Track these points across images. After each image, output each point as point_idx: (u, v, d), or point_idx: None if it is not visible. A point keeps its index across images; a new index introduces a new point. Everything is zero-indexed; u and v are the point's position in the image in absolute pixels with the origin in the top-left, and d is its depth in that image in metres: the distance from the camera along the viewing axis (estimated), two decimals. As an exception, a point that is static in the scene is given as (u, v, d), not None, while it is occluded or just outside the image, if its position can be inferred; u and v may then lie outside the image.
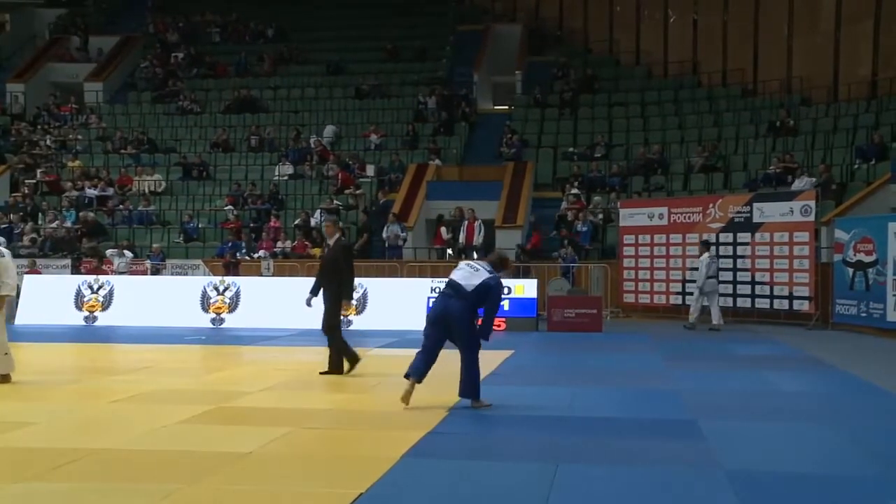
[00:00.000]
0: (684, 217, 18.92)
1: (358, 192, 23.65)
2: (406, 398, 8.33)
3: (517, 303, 16.50)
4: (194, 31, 33.08)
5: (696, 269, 17.90)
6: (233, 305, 17.12)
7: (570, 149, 25.11)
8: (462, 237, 21.10)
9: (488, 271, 8.38)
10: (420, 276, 18.52)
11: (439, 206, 22.70)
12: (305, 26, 32.99)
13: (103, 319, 17.51)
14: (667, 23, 29.36)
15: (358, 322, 16.74)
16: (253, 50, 31.48)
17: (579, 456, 6.51)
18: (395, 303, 16.88)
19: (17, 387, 10.00)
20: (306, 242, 21.68)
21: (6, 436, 7.10)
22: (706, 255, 17.03)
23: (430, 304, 16.54)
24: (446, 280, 8.55)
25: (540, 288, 17.03)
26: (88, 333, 16.22)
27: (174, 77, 30.28)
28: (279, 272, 19.97)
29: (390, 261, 20.50)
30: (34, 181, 25.27)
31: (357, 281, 16.95)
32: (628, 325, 17.75)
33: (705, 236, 18.06)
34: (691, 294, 17.69)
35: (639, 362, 12.16)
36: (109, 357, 13.65)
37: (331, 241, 10.65)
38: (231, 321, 16.95)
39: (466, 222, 21.12)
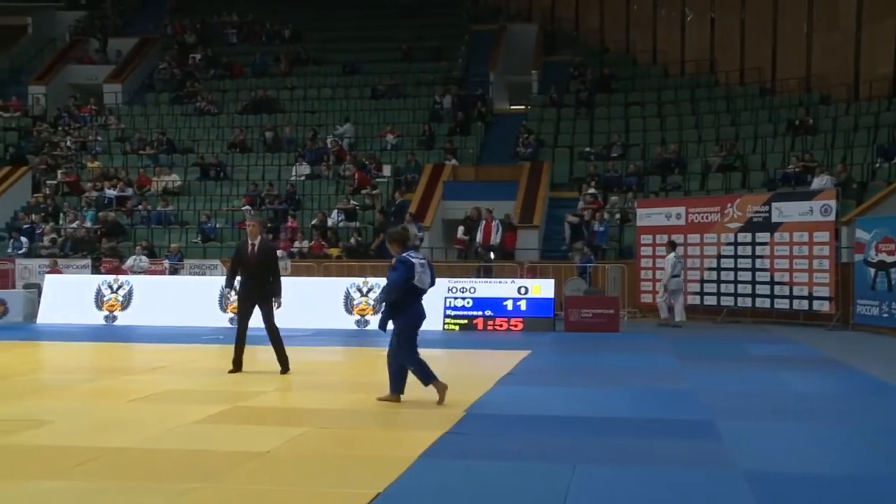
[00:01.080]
0: (702, 217, 18.84)
1: (374, 192, 23.68)
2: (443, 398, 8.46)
3: (534, 303, 16.48)
4: (211, 32, 33.24)
5: (714, 269, 17.85)
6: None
7: (587, 148, 25.05)
8: (479, 237, 21.09)
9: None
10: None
11: (456, 206, 22.70)
12: (321, 27, 33.08)
13: (123, 319, 17.62)
14: (684, 21, 29.25)
15: (375, 322, 16.71)
16: (269, 51, 31.59)
17: (596, 456, 6.49)
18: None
19: (37, 385, 10.09)
20: (323, 242, 21.74)
21: (25, 434, 7.16)
22: (672, 254, 17.60)
23: (447, 305, 16.62)
24: (421, 285, 8.40)
25: (557, 288, 17.00)
26: (108, 333, 16.32)
27: (192, 78, 30.43)
28: (296, 272, 20.00)
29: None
30: (55, 182, 25.46)
31: (374, 281, 17.14)
32: (645, 326, 17.68)
33: (673, 237, 18.40)
34: (709, 294, 17.65)
35: (655, 362, 12.12)
36: (128, 356, 13.73)
37: (255, 242, 10.74)
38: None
39: (484, 222, 21.10)
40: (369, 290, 17.00)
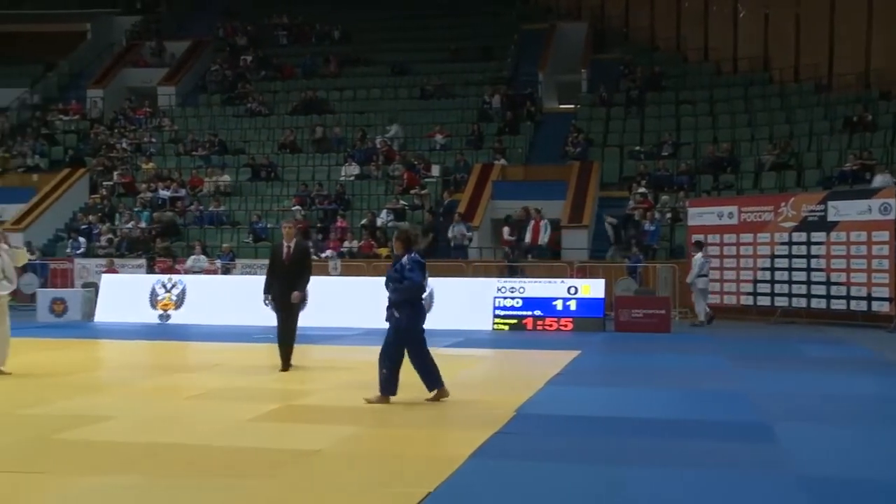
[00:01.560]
0: (755, 216, 18.57)
1: (423, 192, 23.75)
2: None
3: (584, 303, 16.39)
4: (262, 34, 33.62)
5: (768, 268, 17.59)
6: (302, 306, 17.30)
7: (637, 147, 24.84)
8: (528, 237, 21.04)
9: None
10: (486, 276, 18.52)
11: (505, 205, 22.65)
12: (370, 28, 33.24)
13: (176, 318, 17.91)
14: (736, 17, 28.81)
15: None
16: (319, 52, 31.84)
17: (646, 458, 6.45)
18: (461, 303, 16.91)
19: (97, 382, 10.32)
20: (372, 242, 21.86)
21: (86, 429, 7.33)
22: (699, 254, 17.61)
23: (496, 305, 16.61)
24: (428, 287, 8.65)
25: (607, 288, 16.90)
26: (162, 331, 16.61)
27: (243, 80, 30.81)
28: (346, 272, 20.17)
29: (456, 261, 20.55)
30: (111, 183, 25.96)
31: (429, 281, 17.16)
32: (697, 326, 17.48)
33: (700, 237, 18.34)
34: (763, 294, 17.41)
35: (707, 363, 11.99)
36: (182, 354, 13.96)
37: (291, 244, 11.16)
38: (299, 320, 17.13)
39: (532, 222, 21.04)
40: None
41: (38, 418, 7.82)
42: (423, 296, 8.71)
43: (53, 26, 34.14)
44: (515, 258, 20.19)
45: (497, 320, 16.64)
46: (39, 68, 33.03)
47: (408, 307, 8.45)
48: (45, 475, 5.92)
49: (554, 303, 16.50)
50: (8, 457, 6.48)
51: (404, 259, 8.46)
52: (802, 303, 17.56)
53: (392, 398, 8.53)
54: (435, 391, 8.65)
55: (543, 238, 20.89)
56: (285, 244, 11.17)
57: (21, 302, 20.43)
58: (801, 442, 7.01)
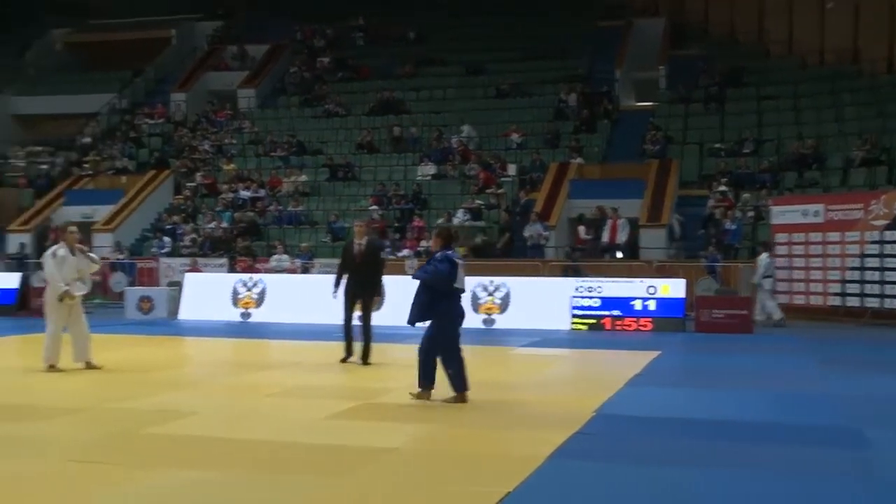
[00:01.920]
0: (843, 214, 17.99)
1: (499, 191, 23.70)
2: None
3: (663, 303, 16.14)
4: (339, 36, 33.99)
5: (857, 268, 17.07)
6: (378, 303, 17.43)
7: (717, 144, 24.34)
8: (606, 236, 20.82)
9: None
10: (563, 276, 18.37)
11: (581, 204, 22.46)
12: (445, 28, 33.31)
13: (257, 316, 18.23)
14: (823, 8, 27.94)
15: (501, 321, 16.77)
16: (395, 53, 32.05)
17: (730, 462, 6.30)
18: (538, 302, 16.82)
19: (181, 379, 10.57)
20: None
21: (171, 424, 7.51)
22: (765, 254, 17.52)
23: (574, 304, 16.47)
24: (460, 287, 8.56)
25: (688, 288, 16.59)
26: (244, 329, 16.93)
27: (320, 81, 31.20)
28: (423, 271, 20.19)
29: (532, 260, 20.45)
30: (194, 184, 26.57)
31: (500, 280, 17.17)
32: (779, 326, 17.04)
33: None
34: (852, 295, 16.89)
35: (792, 365, 11.67)
36: (263, 352, 14.21)
37: (362, 241, 11.52)
38: (377, 318, 17.28)
39: (610, 221, 20.81)
40: (495, 290, 17.03)
41: (126, 412, 8.04)
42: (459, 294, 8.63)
43: (141, 34, 35.14)
44: (577, 258, 19.96)
45: (575, 320, 16.49)
46: (128, 74, 34.03)
47: (434, 308, 8.45)
48: (132, 468, 6.08)
49: (632, 302, 16.28)
50: (98, 449, 6.68)
51: (438, 254, 8.55)
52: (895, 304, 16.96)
53: (467, 394, 8.50)
54: (420, 391, 8.62)
55: (621, 237, 20.64)
56: (356, 242, 11.51)
57: (111, 300, 21.13)
58: (892, 448, 6.76)
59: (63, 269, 10.69)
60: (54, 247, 11.10)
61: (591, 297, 16.55)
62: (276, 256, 20.99)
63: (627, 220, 20.91)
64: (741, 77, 27.08)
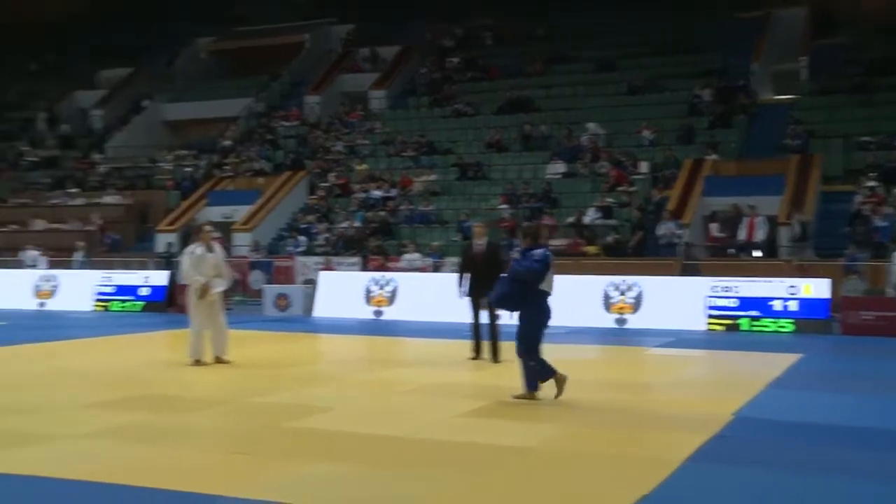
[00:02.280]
0: None
1: (631, 189, 23.31)
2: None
3: (806, 303, 15.52)
4: (468, 36, 34.18)
5: None
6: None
7: (866, 138, 23.15)
8: (742, 234, 20.16)
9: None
10: (696, 275, 17.89)
11: (716, 202, 21.82)
12: (575, 24, 32.99)
13: (389, 314, 18.55)
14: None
15: (633, 321, 16.51)
16: (524, 51, 31.96)
17: (873, 473, 6.00)
18: (672, 302, 16.47)
19: (318, 374, 10.88)
20: (580, 240, 21.69)
21: (309, 419, 7.74)
22: None
23: (709, 304, 16.00)
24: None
25: (833, 288, 15.87)
26: (376, 327, 17.26)
27: (450, 81, 31.46)
28: (553, 270, 20.07)
29: (665, 259, 20.02)
30: (328, 184, 27.27)
31: (633, 279, 16.90)
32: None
33: None
34: None
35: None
36: (396, 350, 14.44)
37: (482, 242, 11.68)
38: (506, 317, 17.31)
39: (747, 218, 20.15)
40: (627, 289, 16.78)
41: (268, 406, 8.34)
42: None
43: (277, 39, 36.37)
44: (694, 255, 19.38)
45: (711, 320, 16.07)
46: (264, 79, 35.27)
47: (524, 303, 8.53)
48: (274, 460, 6.30)
49: (772, 303, 15.73)
50: (244, 441, 6.96)
51: (537, 252, 8.61)
52: None
53: (537, 395, 8.57)
54: (527, 391, 8.59)
55: (759, 235, 19.94)
56: (476, 243, 11.66)
57: (250, 297, 21.93)
58: None
59: (200, 267, 11.16)
60: (192, 245, 11.61)
61: (727, 297, 16.08)
62: (406, 255, 21.31)
63: (766, 217, 20.18)
64: (892, 66, 25.60)
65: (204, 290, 11.09)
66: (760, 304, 15.82)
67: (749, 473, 5.99)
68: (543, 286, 8.54)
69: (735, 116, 25.61)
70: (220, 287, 11.36)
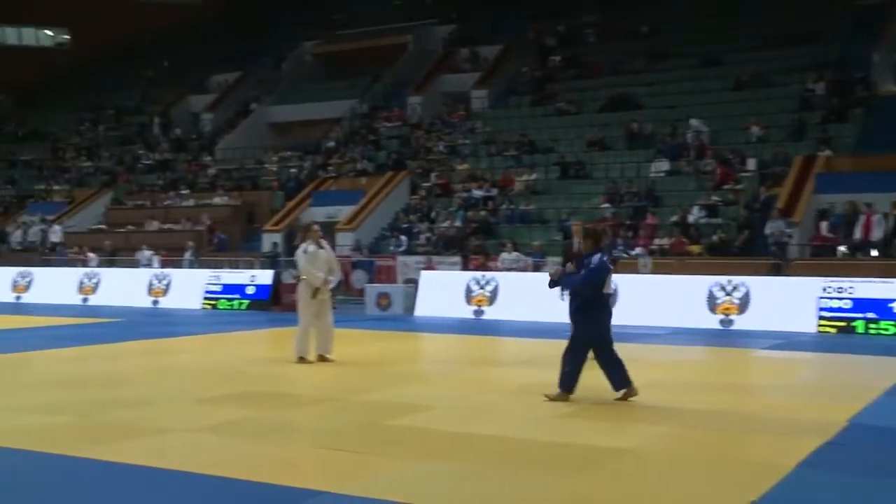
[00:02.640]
0: None
1: (738, 187, 22.68)
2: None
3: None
4: (571, 34, 33.89)
5: None
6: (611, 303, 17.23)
7: None
8: (858, 233, 19.36)
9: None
10: (807, 275, 17.28)
11: (829, 199, 21.01)
12: (681, 19, 32.31)
13: (489, 313, 18.53)
14: None
15: (740, 322, 16.06)
16: (627, 48, 31.49)
17: None
18: (781, 303, 15.95)
19: (419, 373, 10.96)
20: (684, 239, 21.23)
21: (410, 417, 7.79)
22: None
23: (821, 305, 15.41)
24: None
25: None
26: (477, 326, 17.27)
27: (551, 80, 31.25)
28: (656, 269, 19.73)
29: (774, 259, 19.39)
30: (429, 184, 27.45)
31: (739, 279, 16.44)
32: None
33: None
34: None
35: None
36: (497, 349, 14.42)
37: (580, 240, 11.26)
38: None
39: (863, 217, 19.33)
40: (733, 289, 16.33)
41: (369, 404, 8.43)
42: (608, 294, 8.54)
43: (380, 41, 36.86)
44: (778, 253, 18.68)
45: (822, 322, 15.49)
46: (367, 80, 35.77)
47: (587, 310, 8.40)
48: (377, 457, 6.36)
49: (890, 304, 15.04)
50: (347, 438, 7.05)
51: (594, 260, 8.42)
52: None
53: (569, 396, 8.48)
54: (623, 391, 8.44)
55: (876, 234, 19.10)
56: (576, 241, 11.54)
57: (352, 296, 22.27)
58: None
59: (315, 264, 11.39)
60: (304, 244, 11.85)
61: (840, 299, 15.47)
62: (504, 254, 21.25)
63: (883, 215, 19.31)
64: None
65: (321, 287, 11.30)
66: (878, 306, 15.16)
67: (864, 483, 5.73)
68: (605, 289, 8.49)
69: (851, 110, 24.60)
70: (331, 284, 11.57)
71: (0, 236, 30.78)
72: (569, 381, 8.51)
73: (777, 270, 18.31)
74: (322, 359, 11.33)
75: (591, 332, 8.47)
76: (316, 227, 12.44)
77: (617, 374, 8.49)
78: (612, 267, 8.53)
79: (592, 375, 10.51)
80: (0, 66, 46.31)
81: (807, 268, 18.48)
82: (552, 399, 8.48)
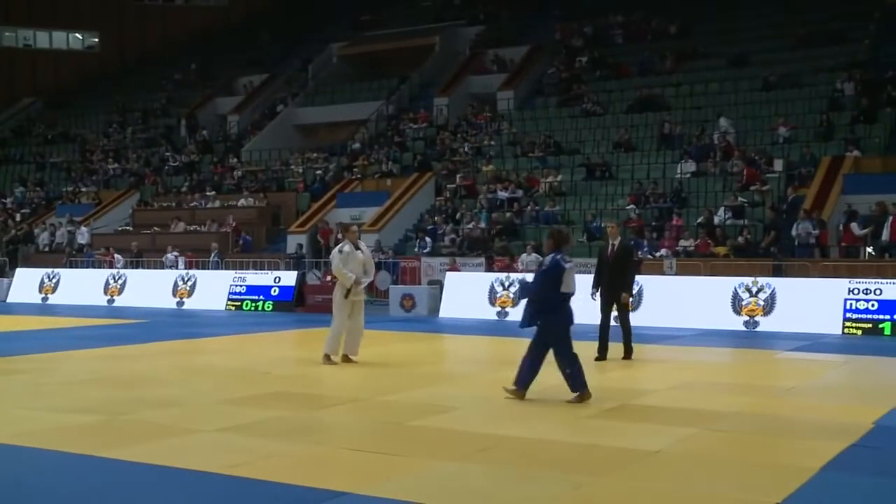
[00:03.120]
0: None
1: (764, 188, 22.52)
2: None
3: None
4: (598, 34, 33.80)
5: None
6: (635, 304, 17.18)
7: None
8: (886, 234, 19.15)
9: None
10: (834, 277, 17.13)
11: (857, 200, 20.80)
12: (709, 19, 32.14)
13: (514, 315, 18.48)
14: None
15: (766, 324, 15.95)
16: (655, 48, 31.36)
17: None
18: (807, 304, 15.82)
19: (443, 374, 10.98)
20: (709, 241, 21.11)
21: (435, 417, 7.81)
22: None
23: (847, 307, 15.27)
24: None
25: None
26: (501, 327, 17.26)
27: (578, 81, 31.17)
28: (681, 271, 19.65)
29: (801, 260, 19.25)
30: (454, 185, 27.48)
31: (765, 280, 16.33)
32: None
33: None
34: None
35: None
36: (521, 350, 14.30)
37: (615, 242, 11.86)
38: (635, 319, 17.03)
39: (891, 217, 19.13)
40: (758, 291, 16.22)
41: (394, 405, 8.47)
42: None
43: (408, 42, 36.93)
44: (777, 255, 18.52)
45: (848, 324, 15.35)
46: (395, 81, 35.86)
47: (548, 310, 8.49)
48: (402, 458, 6.39)
49: (921, 307, 14.88)
50: (371, 439, 7.09)
51: (547, 261, 8.59)
52: None
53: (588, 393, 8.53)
54: (577, 394, 8.46)
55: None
56: (610, 242, 11.71)
57: (376, 297, 22.34)
58: None
59: (349, 264, 11.45)
60: (341, 244, 11.92)
61: (867, 300, 15.33)
62: (524, 256, 21.23)
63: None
64: None
65: (352, 288, 11.35)
66: (906, 308, 15.00)
67: (890, 485, 5.69)
68: (563, 289, 8.51)
69: (880, 110, 24.35)
70: (362, 284, 11.61)
71: (28, 238, 31.18)
72: (577, 379, 8.53)
73: (777, 272, 18.23)
74: (346, 359, 11.37)
75: (555, 331, 8.54)
76: (354, 228, 12.65)
77: (576, 377, 8.53)
78: (566, 266, 8.55)
79: (614, 378, 10.51)
80: (31, 69, 47.02)
81: (834, 269, 18.32)
82: (510, 393, 8.65)
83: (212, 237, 26.84)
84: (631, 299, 12.05)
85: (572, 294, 8.67)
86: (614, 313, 11.75)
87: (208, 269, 24.24)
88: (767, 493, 5.37)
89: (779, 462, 6.29)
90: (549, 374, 10.56)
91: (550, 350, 8.61)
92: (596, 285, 11.79)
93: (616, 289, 11.59)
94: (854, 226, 19.74)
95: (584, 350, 12.47)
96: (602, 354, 11.55)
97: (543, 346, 8.62)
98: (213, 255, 24.88)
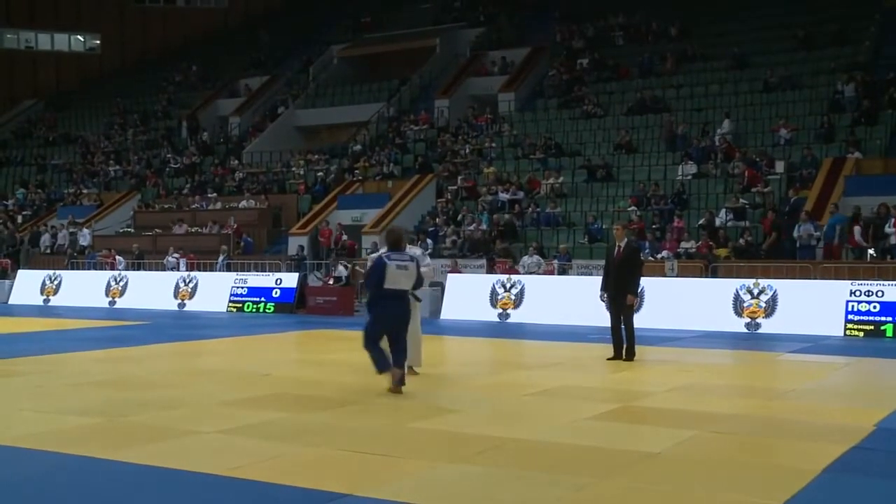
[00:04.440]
0: None
1: (766, 189, 22.52)
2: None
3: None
4: (599, 36, 33.80)
5: None
6: (637, 306, 17.18)
7: None
8: (894, 238, 19.15)
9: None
10: (835, 279, 17.13)
11: (859, 202, 20.80)
12: (709, 21, 32.14)
13: (515, 317, 18.53)
14: None
15: (768, 325, 15.95)
16: (656, 50, 31.37)
17: None
18: (808, 306, 15.83)
19: (445, 376, 10.98)
20: (710, 243, 21.10)
21: (436, 420, 7.82)
22: None
23: (849, 309, 15.25)
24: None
25: None
26: (502, 329, 17.27)
27: (579, 82, 31.18)
28: (683, 273, 19.66)
29: (802, 262, 19.25)
30: (455, 187, 27.49)
31: (766, 282, 16.32)
32: None
33: None
34: None
35: None
36: (522, 352, 14.42)
37: (621, 244, 11.90)
38: (639, 321, 17.00)
39: (893, 219, 19.13)
40: (760, 292, 16.22)
41: (395, 407, 8.47)
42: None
43: (409, 44, 36.96)
44: (763, 257, 18.55)
45: (849, 325, 15.36)
46: (395, 83, 35.87)
47: (372, 304, 9.25)
48: (404, 460, 6.38)
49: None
50: (373, 441, 7.07)
51: (373, 256, 9.38)
52: None
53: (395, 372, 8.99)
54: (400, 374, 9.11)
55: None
56: (617, 244, 11.76)
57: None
58: None
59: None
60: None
61: (869, 302, 15.33)
62: (525, 258, 21.22)
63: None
64: None
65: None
66: (907, 310, 15.00)
67: (892, 488, 5.69)
68: (387, 285, 8.98)
69: (881, 112, 24.36)
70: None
71: (30, 240, 31.21)
72: (378, 365, 9.03)
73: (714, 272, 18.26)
74: (410, 371, 11.04)
75: (378, 322, 9.09)
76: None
77: (400, 358, 9.12)
78: (386, 263, 8.99)
79: (615, 379, 10.51)
80: (32, 71, 47.09)
81: (835, 271, 18.31)
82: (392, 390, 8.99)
83: (213, 239, 26.86)
84: (635, 301, 12.08)
85: (398, 290, 9.07)
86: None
87: (216, 271, 24.23)
88: (768, 495, 5.37)
89: (780, 464, 6.29)
90: (549, 376, 10.58)
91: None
92: (604, 287, 11.86)
93: (623, 290, 11.66)
94: (857, 229, 19.70)
95: (593, 352, 12.54)
96: (618, 354, 11.72)
97: (372, 336, 9.15)
98: (221, 257, 24.84)
